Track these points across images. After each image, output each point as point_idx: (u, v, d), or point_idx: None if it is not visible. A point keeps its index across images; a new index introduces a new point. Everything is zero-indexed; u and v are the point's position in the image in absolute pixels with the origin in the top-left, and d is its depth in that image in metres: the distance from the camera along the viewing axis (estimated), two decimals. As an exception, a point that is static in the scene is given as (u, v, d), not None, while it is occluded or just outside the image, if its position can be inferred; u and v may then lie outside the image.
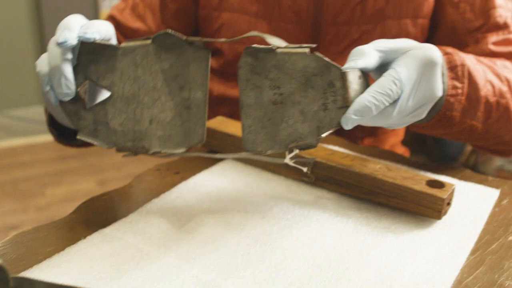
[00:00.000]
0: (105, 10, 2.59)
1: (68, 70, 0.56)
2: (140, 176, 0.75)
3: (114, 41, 0.61)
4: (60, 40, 0.55)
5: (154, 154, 0.60)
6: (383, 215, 0.64)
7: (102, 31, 0.59)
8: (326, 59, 0.57)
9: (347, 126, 0.56)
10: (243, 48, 0.92)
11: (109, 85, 0.60)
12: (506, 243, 0.60)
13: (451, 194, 0.63)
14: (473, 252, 0.58)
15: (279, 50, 0.58)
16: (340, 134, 0.94)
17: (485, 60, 0.77)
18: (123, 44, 0.60)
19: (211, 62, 0.97)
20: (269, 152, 0.59)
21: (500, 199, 0.69)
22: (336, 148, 0.81)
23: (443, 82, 0.67)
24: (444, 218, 0.63)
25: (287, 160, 0.61)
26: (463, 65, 0.70)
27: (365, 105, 0.56)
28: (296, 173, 0.71)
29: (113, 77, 0.60)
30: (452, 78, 0.69)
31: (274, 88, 0.59)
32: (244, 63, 0.59)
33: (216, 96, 0.98)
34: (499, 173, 2.08)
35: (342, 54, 0.91)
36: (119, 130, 0.60)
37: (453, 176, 0.75)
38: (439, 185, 0.63)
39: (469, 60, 0.71)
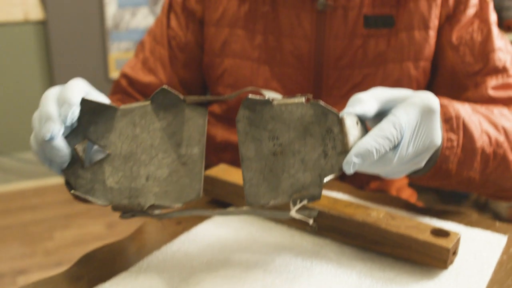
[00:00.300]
0: (113, 53, 2.62)
1: (60, 144, 0.56)
2: (142, 226, 0.74)
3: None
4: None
5: (150, 210, 0.59)
6: (387, 265, 0.63)
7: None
8: (322, 104, 0.57)
9: (349, 170, 0.56)
10: (246, 94, 0.93)
11: (107, 145, 0.60)
12: (515, 293, 0.58)
13: (457, 243, 0.62)
14: (481, 304, 0.57)
15: (275, 102, 0.58)
16: (345, 179, 0.93)
17: (482, 109, 0.77)
18: (123, 106, 0.60)
19: (215, 108, 0.98)
20: (271, 203, 0.58)
21: (508, 246, 0.68)
22: (340, 195, 0.80)
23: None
24: (451, 267, 0.62)
25: (293, 213, 0.60)
26: (458, 117, 0.70)
27: (366, 148, 0.56)
28: (299, 223, 0.70)
29: (111, 136, 0.60)
30: (447, 130, 0.69)
31: (273, 139, 0.58)
32: (242, 116, 0.59)
33: (219, 142, 0.98)
34: (511, 209, 2.06)
35: (345, 98, 0.90)
36: (116, 188, 0.59)
37: (460, 221, 0.73)
38: (444, 234, 0.62)
39: (464, 111, 0.72)
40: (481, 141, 0.72)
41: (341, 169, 0.57)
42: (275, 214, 0.62)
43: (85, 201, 0.79)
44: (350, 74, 0.89)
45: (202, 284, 0.59)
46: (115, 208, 0.59)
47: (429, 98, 0.60)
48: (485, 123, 0.74)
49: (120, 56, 2.64)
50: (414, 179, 0.72)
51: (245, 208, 0.62)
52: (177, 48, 0.95)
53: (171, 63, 0.95)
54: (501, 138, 0.74)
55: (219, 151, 0.99)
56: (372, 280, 0.60)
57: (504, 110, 0.81)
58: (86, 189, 0.59)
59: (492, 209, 2.14)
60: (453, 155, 0.68)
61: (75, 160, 0.58)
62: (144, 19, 2.63)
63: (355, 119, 0.58)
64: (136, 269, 0.63)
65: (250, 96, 0.58)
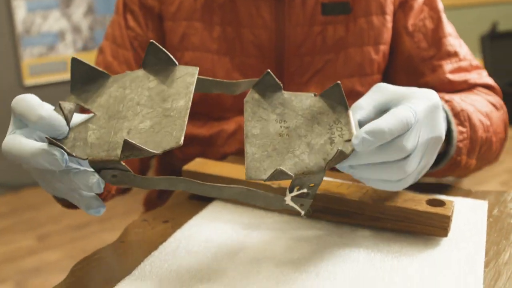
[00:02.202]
0: (27, 59, 2.50)
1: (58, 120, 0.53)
2: (128, 229, 0.72)
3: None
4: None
5: (125, 153, 0.53)
6: (389, 239, 0.64)
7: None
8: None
9: (358, 145, 0.54)
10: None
11: (96, 107, 0.58)
12: (513, 252, 0.62)
13: (453, 210, 0.64)
14: (486, 264, 0.59)
15: (285, 92, 0.60)
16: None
17: (467, 98, 0.83)
18: (115, 75, 0.60)
19: None
20: (269, 173, 0.56)
21: (490, 210, 0.71)
22: (329, 178, 0.81)
23: (452, 130, 0.72)
24: (449, 234, 0.64)
25: (288, 199, 0.59)
26: (463, 110, 0.75)
27: (378, 126, 0.54)
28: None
29: (101, 100, 0.58)
30: (457, 124, 0.73)
31: (280, 121, 0.59)
32: (251, 98, 0.60)
33: (184, 137, 0.96)
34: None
35: (307, 85, 0.92)
36: (96, 143, 0.55)
37: (439, 192, 0.76)
38: (440, 203, 0.64)
39: (465, 104, 0.77)
40: (480, 130, 0.77)
41: (346, 154, 0.56)
42: (269, 198, 0.59)
43: (69, 206, 0.76)
44: (311, 61, 0.90)
45: (215, 278, 0.58)
46: (92, 163, 0.54)
47: (432, 94, 0.62)
48: (475, 111, 0.79)
49: (34, 62, 2.52)
50: (426, 173, 0.74)
51: (239, 187, 0.58)
52: (140, 48, 0.92)
53: (137, 64, 0.92)
54: (488, 123, 0.80)
55: (184, 146, 0.97)
56: (381, 255, 0.61)
57: (473, 96, 0.87)
58: (68, 147, 0.54)
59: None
60: (464, 147, 0.74)
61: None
62: (56, 22, 2.53)
63: (357, 122, 0.59)
64: (140, 272, 0.61)
65: (263, 79, 0.59)
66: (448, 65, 0.92)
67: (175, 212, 0.75)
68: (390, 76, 0.96)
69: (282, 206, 0.59)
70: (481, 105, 0.83)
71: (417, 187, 0.77)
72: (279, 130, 0.58)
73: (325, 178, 0.72)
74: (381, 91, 0.62)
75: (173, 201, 0.79)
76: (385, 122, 0.54)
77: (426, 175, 0.73)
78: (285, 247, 0.64)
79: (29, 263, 2.09)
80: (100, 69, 0.60)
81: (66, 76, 2.65)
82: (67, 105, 0.55)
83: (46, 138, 0.51)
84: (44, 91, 2.57)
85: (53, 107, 0.55)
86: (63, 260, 2.17)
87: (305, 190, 0.58)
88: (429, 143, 0.62)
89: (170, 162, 1.03)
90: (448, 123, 0.74)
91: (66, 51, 2.62)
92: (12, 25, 2.43)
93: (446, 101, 0.75)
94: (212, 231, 0.68)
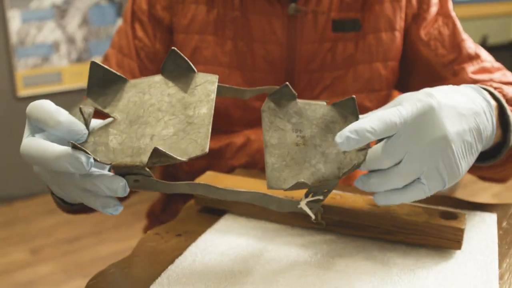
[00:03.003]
0: (21, 70, 2.49)
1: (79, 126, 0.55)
2: (141, 243, 0.72)
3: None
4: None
5: (152, 161, 0.53)
6: (404, 252, 0.65)
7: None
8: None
9: (342, 144, 0.55)
10: (217, 100, 0.92)
11: (115, 111, 0.59)
12: (526, 264, 0.63)
13: (465, 223, 0.65)
14: (501, 276, 0.60)
15: (299, 101, 0.62)
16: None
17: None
18: (133, 80, 0.61)
19: None
20: (293, 183, 0.58)
21: (499, 222, 0.73)
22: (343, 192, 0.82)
23: (508, 115, 0.70)
24: (462, 247, 0.65)
25: (303, 204, 0.61)
26: None
27: (361, 125, 0.55)
28: (303, 221, 0.71)
29: (119, 104, 0.59)
30: None
31: (296, 131, 0.61)
32: (267, 107, 0.62)
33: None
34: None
35: (316, 100, 0.92)
36: (118, 149, 0.55)
37: (448, 206, 0.77)
38: (453, 216, 0.65)
39: (506, 88, 0.74)
40: None
41: (359, 164, 0.58)
42: (283, 202, 0.61)
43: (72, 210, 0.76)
44: (320, 77, 0.91)
45: (233, 292, 0.58)
46: (115, 167, 0.55)
47: (427, 96, 0.60)
48: None
49: (28, 73, 2.52)
50: (483, 170, 0.74)
51: (256, 192, 0.60)
52: (146, 58, 0.92)
53: (142, 74, 0.92)
54: None
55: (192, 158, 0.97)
56: (398, 268, 0.62)
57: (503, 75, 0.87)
58: (89, 152, 0.54)
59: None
60: None
61: None
62: (51, 33, 2.53)
63: None
64: (157, 286, 0.61)
65: (280, 90, 0.61)
66: (470, 67, 0.92)
67: (187, 226, 0.75)
68: (413, 88, 0.97)
69: (295, 209, 0.61)
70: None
71: (427, 201, 0.78)
72: (295, 139, 0.61)
73: (339, 192, 0.73)
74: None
75: (184, 214, 0.79)
76: (368, 122, 0.56)
77: (482, 172, 0.74)
78: (302, 261, 0.64)
79: (22, 277, 2.07)
80: (118, 73, 0.60)
81: (60, 87, 2.64)
82: (87, 109, 0.56)
83: (70, 142, 0.52)
84: (37, 103, 2.54)
85: (68, 112, 0.56)
86: (57, 274, 2.15)
87: (320, 197, 0.61)
88: (434, 146, 0.58)
89: (175, 175, 1.04)
90: (503, 109, 0.71)
91: (60, 62, 2.62)
92: (6, 35, 2.42)
93: (496, 88, 0.72)
94: (227, 244, 0.69)
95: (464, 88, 0.67)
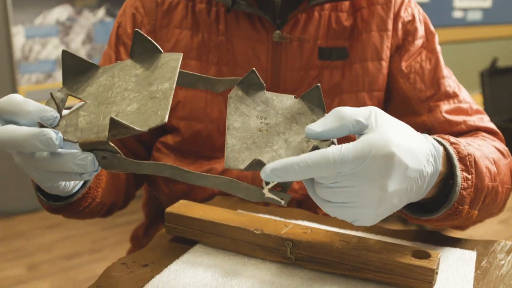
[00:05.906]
0: (24, 85, 2.50)
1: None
2: (106, 272, 0.70)
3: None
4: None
5: (113, 133, 0.55)
6: (372, 291, 0.63)
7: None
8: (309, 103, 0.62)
9: (264, 175, 0.54)
10: (200, 126, 0.90)
11: (86, 96, 0.61)
12: (499, 308, 0.60)
13: (438, 263, 0.62)
14: (472, 322, 0.57)
15: (267, 92, 0.64)
16: (301, 206, 0.92)
17: (473, 142, 0.75)
18: (104, 66, 0.64)
19: (168, 139, 0.95)
20: (248, 163, 0.57)
21: (479, 261, 0.70)
22: (299, 221, 0.79)
23: (457, 175, 0.64)
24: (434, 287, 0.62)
25: (266, 191, 0.58)
26: (469, 155, 0.66)
27: (283, 165, 0.53)
28: (273, 255, 0.69)
29: (91, 89, 0.62)
30: (462, 170, 0.65)
31: (261, 118, 0.61)
32: (235, 94, 0.62)
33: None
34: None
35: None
36: (86, 127, 0.58)
37: (427, 242, 0.74)
38: (425, 255, 0.63)
39: (472, 148, 0.68)
40: (487, 178, 0.69)
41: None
42: (250, 190, 0.59)
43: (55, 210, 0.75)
44: None
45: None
46: (82, 145, 0.56)
47: (387, 145, 0.54)
48: (483, 157, 0.71)
49: (31, 88, 2.52)
50: (421, 221, 0.68)
51: (223, 177, 0.59)
52: None
53: None
54: (495, 171, 0.72)
55: (170, 182, 0.95)
56: (363, 309, 0.59)
57: (479, 141, 0.80)
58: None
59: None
60: (468, 196, 0.65)
61: None
62: (55, 49, 2.54)
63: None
64: (113, 321, 0.59)
65: (247, 77, 0.62)
66: (445, 106, 0.90)
67: (156, 255, 0.73)
68: None
69: (262, 198, 0.59)
70: (488, 151, 0.75)
71: (407, 234, 0.76)
72: (259, 125, 0.61)
73: (311, 225, 0.70)
74: (338, 117, 0.56)
75: (155, 243, 0.77)
76: (295, 162, 0.53)
77: (422, 223, 0.69)
78: (264, 298, 0.62)
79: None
80: (90, 61, 0.63)
81: (63, 103, 2.63)
82: (59, 95, 0.60)
83: (38, 123, 0.56)
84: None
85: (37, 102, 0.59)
86: (51, 291, 2.14)
87: (279, 182, 0.58)
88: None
89: (157, 197, 1.02)
90: (453, 168, 0.65)
91: (64, 79, 2.61)
92: (10, 51, 2.43)
93: (452, 143, 0.66)
94: (192, 278, 0.66)
95: (416, 135, 0.60)
